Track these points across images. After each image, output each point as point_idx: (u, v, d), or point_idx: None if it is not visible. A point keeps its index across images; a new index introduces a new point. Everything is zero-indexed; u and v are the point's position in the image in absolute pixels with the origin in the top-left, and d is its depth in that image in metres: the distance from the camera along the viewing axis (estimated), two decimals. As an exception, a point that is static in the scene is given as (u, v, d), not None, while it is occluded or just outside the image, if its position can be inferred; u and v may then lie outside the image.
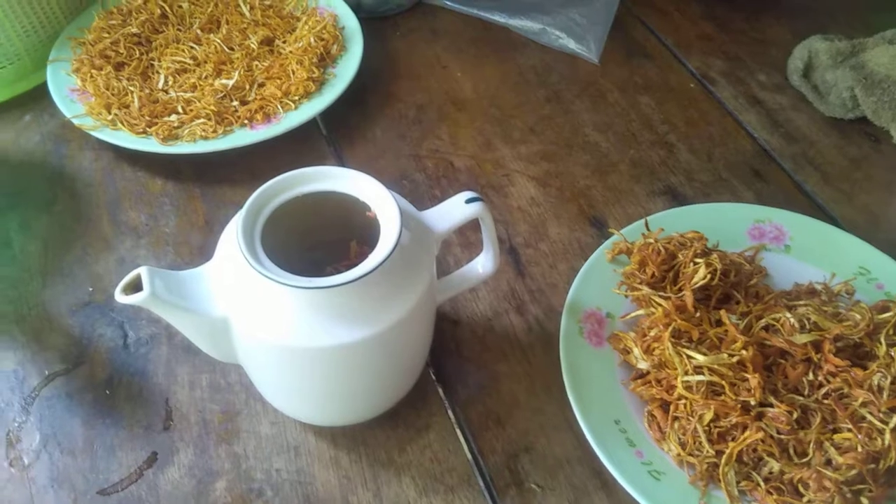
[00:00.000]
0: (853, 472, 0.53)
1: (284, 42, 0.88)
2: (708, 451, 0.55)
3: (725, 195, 0.77)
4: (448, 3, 0.97)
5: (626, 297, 0.65)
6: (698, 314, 0.60)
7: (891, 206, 0.78)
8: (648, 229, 0.67)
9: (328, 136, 0.83)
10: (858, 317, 0.59)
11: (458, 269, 0.62)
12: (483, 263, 0.61)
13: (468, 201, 0.55)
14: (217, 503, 0.56)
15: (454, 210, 0.56)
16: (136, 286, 0.48)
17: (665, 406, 0.58)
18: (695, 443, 0.56)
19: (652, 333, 0.60)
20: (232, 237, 0.52)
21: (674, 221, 0.69)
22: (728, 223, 0.71)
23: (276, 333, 0.49)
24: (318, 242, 0.59)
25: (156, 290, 0.48)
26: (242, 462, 0.58)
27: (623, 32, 0.95)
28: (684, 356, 0.57)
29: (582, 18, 0.90)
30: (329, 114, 0.82)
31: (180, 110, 0.79)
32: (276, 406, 0.59)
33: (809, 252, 0.69)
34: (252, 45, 0.86)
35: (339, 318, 0.49)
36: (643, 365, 0.59)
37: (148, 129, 0.78)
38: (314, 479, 0.57)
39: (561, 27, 0.90)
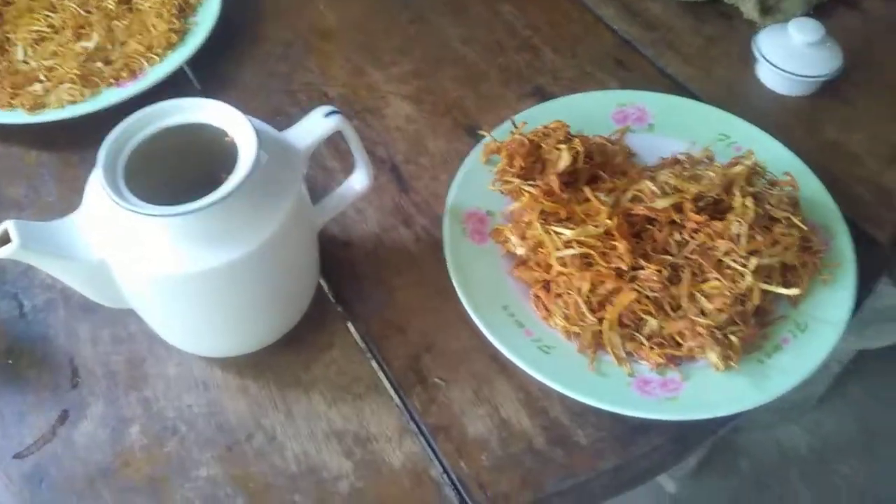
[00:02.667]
0: (723, 316, 0.58)
1: (142, -2, 0.87)
2: (591, 320, 0.59)
3: (591, 87, 0.80)
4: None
5: (502, 192, 0.67)
6: (566, 195, 0.63)
7: (746, 76, 0.82)
8: (515, 126, 0.70)
9: (199, 84, 0.82)
10: (713, 174, 0.63)
11: (335, 190, 0.64)
12: (358, 179, 0.63)
13: (327, 115, 0.57)
14: (133, 447, 0.57)
15: (314, 126, 0.57)
16: (5, 241, 0.48)
17: (547, 285, 0.62)
18: (577, 314, 0.59)
19: (525, 219, 0.63)
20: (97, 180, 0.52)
21: (540, 117, 0.71)
22: (592, 111, 0.74)
23: (149, 266, 0.50)
24: (194, 180, 0.59)
25: (25, 241, 0.48)
26: (153, 404, 0.60)
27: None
28: (553, 234, 0.60)
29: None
30: (197, 62, 0.82)
31: (43, 78, 0.78)
32: (178, 345, 0.61)
33: (672, 127, 0.73)
34: (109, 6, 0.85)
35: (208, 244, 0.50)
36: (521, 250, 0.62)
37: (12, 101, 0.76)
38: (225, 409, 0.59)
39: (418, -53, 0.91)
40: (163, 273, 0.51)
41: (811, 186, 0.68)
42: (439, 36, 0.87)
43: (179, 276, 0.51)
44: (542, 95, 0.80)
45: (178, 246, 0.50)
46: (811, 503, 1.71)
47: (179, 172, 0.57)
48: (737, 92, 0.81)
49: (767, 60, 0.79)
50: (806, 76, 0.78)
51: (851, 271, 0.62)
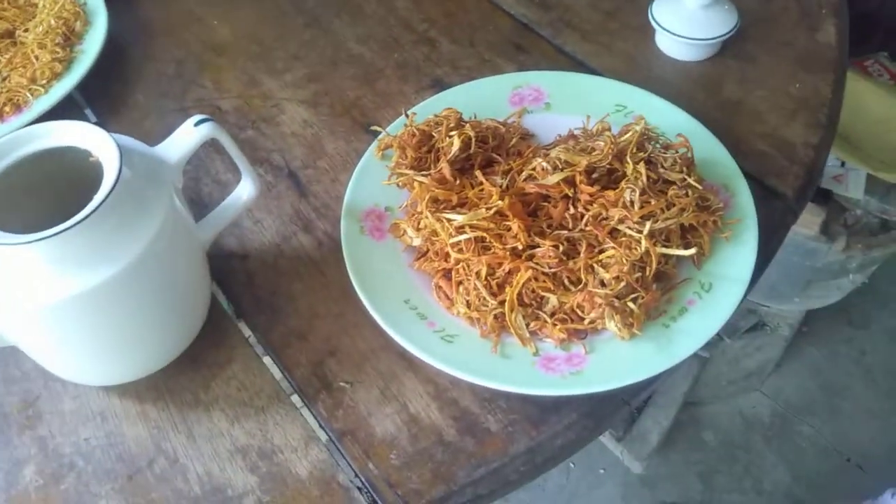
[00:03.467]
0: (622, 284, 0.56)
1: (26, 31, 0.84)
2: (491, 303, 0.58)
3: (491, 74, 0.79)
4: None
5: (399, 186, 0.66)
6: (458, 182, 0.62)
7: (646, 47, 0.82)
8: (408, 118, 0.68)
9: (92, 111, 0.80)
10: (602, 144, 0.62)
11: (219, 205, 0.62)
12: (244, 188, 0.61)
13: (197, 123, 0.55)
14: (28, 488, 0.55)
15: (185, 137, 0.55)
16: None
17: (448, 274, 0.60)
18: (478, 299, 0.58)
19: (418, 209, 0.61)
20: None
21: (436, 107, 0.70)
22: (488, 97, 0.73)
23: (18, 298, 0.48)
24: (72, 205, 0.57)
25: None
26: (49, 442, 0.57)
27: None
28: (444, 220, 0.59)
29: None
30: (88, 89, 0.80)
31: (-77, 121, 0.76)
32: (69, 378, 0.58)
33: (568, 104, 0.72)
34: (-9, 41, 0.83)
35: (77, 268, 0.48)
36: (417, 241, 0.61)
37: None
38: (124, 437, 0.57)
39: (305, -48, 0.90)
40: (35, 303, 0.49)
41: (710, 147, 0.67)
42: (335, 38, 0.85)
43: (54, 304, 0.49)
44: (442, 87, 0.79)
45: (49, 273, 0.48)
46: (778, 467, 1.71)
47: (59, 199, 0.55)
48: (638, 63, 0.80)
49: (664, 28, 0.78)
50: (701, 39, 0.77)
51: (753, 226, 0.61)
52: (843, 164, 1.37)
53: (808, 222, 1.33)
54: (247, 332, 0.62)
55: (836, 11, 0.83)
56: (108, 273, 0.49)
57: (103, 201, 0.48)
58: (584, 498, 1.59)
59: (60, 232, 0.46)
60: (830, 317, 1.88)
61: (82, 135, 0.52)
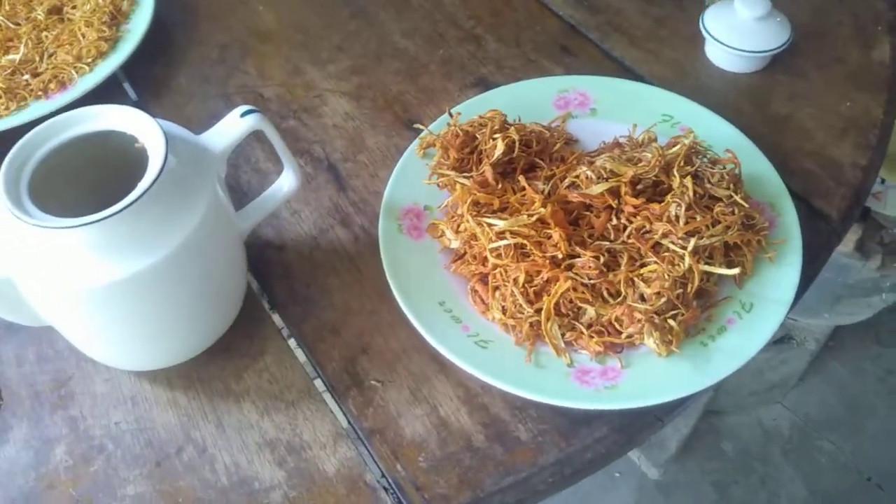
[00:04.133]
0: (662, 300, 0.56)
1: (74, 8, 0.85)
2: (528, 311, 0.57)
3: (536, 75, 0.78)
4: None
5: (439, 186, 0.65)
6: (500, 186, 0.61)
7: (695, 56, 0.80)
8: (452, 117, 0.68)
9: (134, 92, 0.80)
10: (650, 156, 0.61)
11: (261, 195, 0.61)
12: (286, 181, 0.61)
13: (244, 114, 0.55)
14: (58, 468, 0.55)
15: (230, 127, 0.55)
16: None
17: (484, 279, 0.60)
18: (515, 306, 0.57)
19: (459, 212, 0.61)
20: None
21: (480, 107, 0.69)
22: (532, 99, 0.72)
23: (58, 281, 0.48)
24: (114, 190, 0.57)
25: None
26: (80, 423, 0.58)
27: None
28: (485, 225, 0.58)
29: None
30: (131, 70, 0.80)
31: (-34, 94, 0.76)
32: (102, 361, 0.59)
33: (614, 111, 0.71)
34: (39, 17, 0.83)
35: (119, 254, 0.48)
36: (455, 244, 0.60)
37: (-67, 117, 0.74)
38: (154, 423, 0.57)
39: (357, -58, 0.89)
40: (74, 287, 0.49)
41: (757, 163, 0.66)
42: (380, 30, 0.85)
43: (92, 288, 0.49)
44: (486, 86, 0.78)
45: (89, 258, 0.48)
46: (795, 481, 1.70)
47: (98, 184, 0.55)
48: (686, 72, 0.79)
49: (715, 38, 0.77)
50: (753, 52, 0.76)
51: (797, 248, 0.60)
52: (882, 181, 1.35)
53: (844, 238, 1.31)
54: (280, 324, 0.62)
55: (893, 29, 0.81)
56: (147, 262, 0.49)
57: (148, 189, 0.47)
58: (598, 500, 1.59)
59: (104, 218, 0.46)
60: (858, 333, 1.85)
61: (128, 120, 0.52)
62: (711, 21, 0.78)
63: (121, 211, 0.47)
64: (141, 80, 0.81)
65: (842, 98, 0.75)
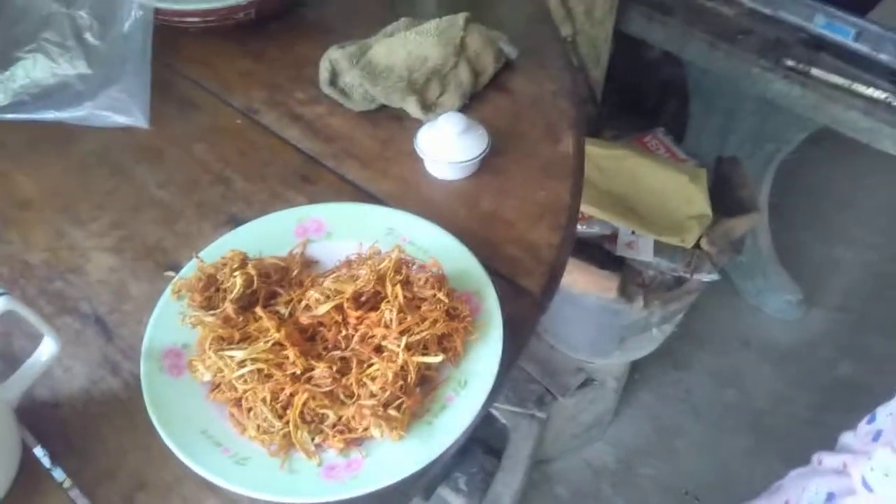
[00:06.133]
0: (387, 393, 0.66)
1: None
2: (278, 425, 0.66)
3: (281, 206, 0.88)
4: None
5: (192, 325, 0.74)
6: (242, 318, 0.70)
7: (416, 169, 0.93)
8: (200, 261, 0.77)
9: None
10: (364, 272, 0.72)
11: (23, 365, 0.68)
12: (45, 348, 0.68)
13: (-13, 303, 0.62)
14: None
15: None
16: None
17: (239, 402, 0.68)
18: (266, 423, 0.66)
19: (206, 347, 0.69)
20: None
21: (226, 247, 0.79)
22: (275, 230, 0.82)
23: None
24: None
25: None
26: None
27: (171, 91, 1.05)
28: (226, 357, 0.67)
29: (120, 94, 0.97)
30: None
31: None
32: None
33: (345, 231, 0.83)
34: None
35: None
36: (207, 377, 0.69)
37: None
38: None
39: (105, 107, 0.97)
40: None
41: (464, 260, 0.78)
42: (137, 184, 0.93)
43: None
44: (236, 222, 0.87)
45: None
46: (622, 511, 1.83)
47: None
48: (410, 185, 0.92)
49: (426, 154, 0.91)
50: (458, 161, 0.90)
51: (498, 326, 0.73)
52: (633, 232, 1.55)
53: (606, 288, 1.49)
54: (62, 477, 0.68)
55: (574, 125, 0.98)
56: None
57: None
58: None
59: None
60: (658, 362, 2.06)
61: None
62: (422, 139, 0.92)
63: None
64: None
65: (537, 188, 0.90)
